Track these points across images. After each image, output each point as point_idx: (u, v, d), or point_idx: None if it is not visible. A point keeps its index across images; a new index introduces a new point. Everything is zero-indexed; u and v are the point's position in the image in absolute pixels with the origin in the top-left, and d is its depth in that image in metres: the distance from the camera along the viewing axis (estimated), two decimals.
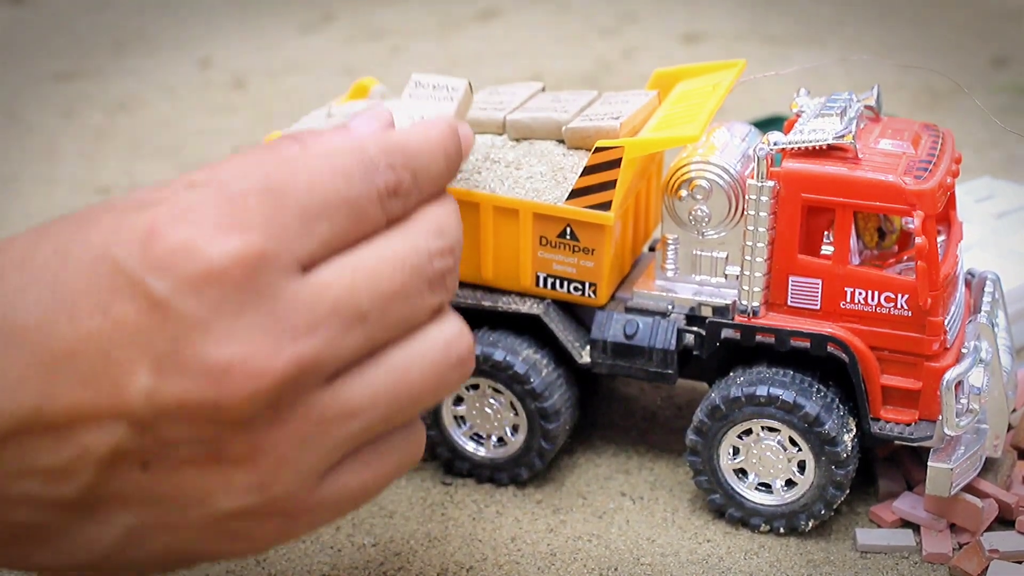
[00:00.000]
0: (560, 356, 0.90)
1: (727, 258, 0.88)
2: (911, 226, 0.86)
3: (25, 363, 0.54)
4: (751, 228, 0.84)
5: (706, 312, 0.89)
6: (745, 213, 0.84)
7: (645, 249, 0.98)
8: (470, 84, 0.82)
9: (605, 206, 0.85)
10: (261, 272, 0.56)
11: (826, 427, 0.83)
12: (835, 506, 0.85)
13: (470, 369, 0.63)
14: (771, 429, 0.85)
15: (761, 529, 0.86)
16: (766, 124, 1.08)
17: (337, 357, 0.58)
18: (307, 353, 0.56)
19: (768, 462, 0.86)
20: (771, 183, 0.83)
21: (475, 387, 0.90)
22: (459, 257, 0.65)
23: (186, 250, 0.55)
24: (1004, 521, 0.85)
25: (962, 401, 0.82)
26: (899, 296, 0.83)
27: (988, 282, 0.91)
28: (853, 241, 0.84)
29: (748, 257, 0.84)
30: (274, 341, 0.56)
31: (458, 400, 0.91)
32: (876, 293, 0.83)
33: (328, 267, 0.59)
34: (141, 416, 0.55)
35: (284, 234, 0.57)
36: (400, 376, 0.61)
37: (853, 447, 0.84)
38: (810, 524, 0.85)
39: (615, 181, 0.85)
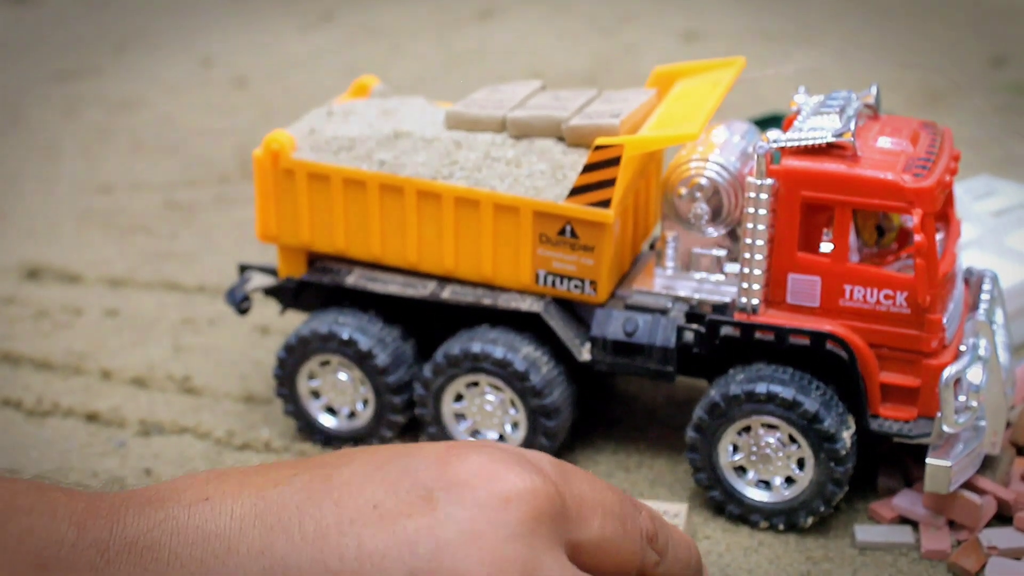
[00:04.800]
0: (560, 354, 0.90)
1: (726, 255, 0.88)
2: (910, 224, 0.86)
3: None
4: (750, 226, 0.84)
5: (706, 310, 0.89)
6: (744, 211, 0.84)
7: (645, 247, 0.98)
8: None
9: (605, 204, 0.85)
10: (544, 520, 0.55)
11: (825, 424, 0.83)
12: (834, 503, 0.85)
13: None
14: (770, 426, 0.85)
15: (760, 526, 0.87)
16: (765, 122, 1.08)
17: None
18: None
19: (767, 459, 0.86)
20: (770, 181, 0.83)
21: (475, 384, 0.91)
22: None
23: (485, 472, 0.55)
24: (1003, 518, 0.85)
25: (961, 398, 0.82)
26: (898, 293, 0.83)
27: (986, 280, 0.92)
28: (852, 239, 0.84)
29: (747, 255, 0.84)
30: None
31: (458, 397, 0.91)
32: (875, 290, 0.83)
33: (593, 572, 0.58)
34: None
35: (571, 505, 0.57)
36: None
37: (852, 444, 0.84)
38: (809, 521, 0.86)
39: (615, 179, 0.85)
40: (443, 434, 0.92)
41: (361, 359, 0.92)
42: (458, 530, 0.54)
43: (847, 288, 0.84)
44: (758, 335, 0.86)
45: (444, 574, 0.54)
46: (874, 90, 0.89)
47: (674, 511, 0.84)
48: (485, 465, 0.56)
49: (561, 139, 0.90)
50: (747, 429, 0.86)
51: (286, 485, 0.57)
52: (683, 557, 0.65)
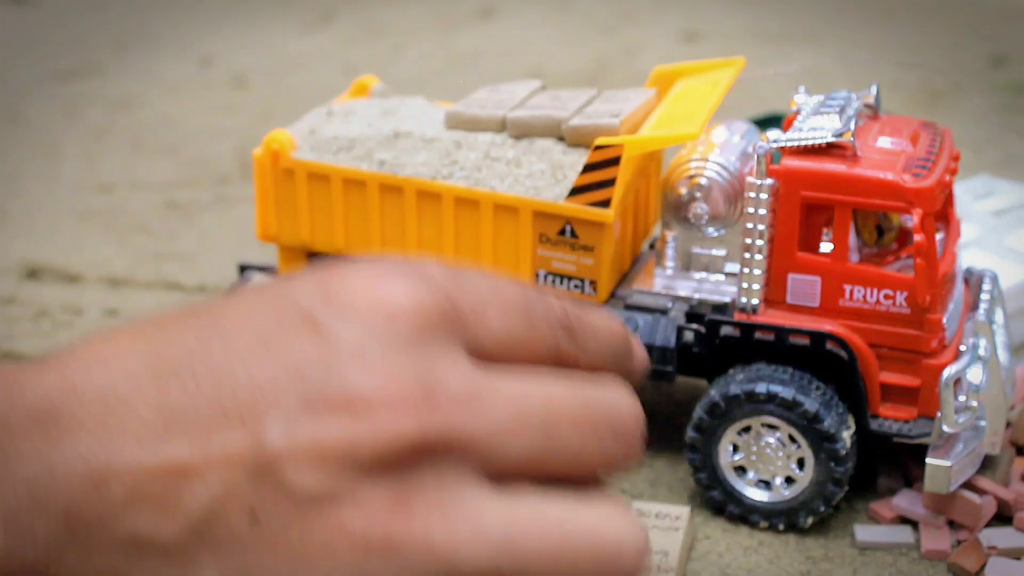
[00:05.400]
0: None
1: (726, 256, 0.88)
2: (910, 224, 0.86)
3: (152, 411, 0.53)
4: (750, 226, 0.84)
5: (705, 309, 0.89)
6: (744, 211, 0.84)
7: (645, 247, 0.98)
8: None
9: (605, 204, 0.85)
10: (435, 328, 0.53)
11: (825, 424, 0.83)
12: (834, 503, 0.85)
13: (640, 568, 0.56)
14: (770, 426, 0.85)
15: (760, 526, 0.86)
16: (765, 122, 1.08)
17: (496, 452, 0.53)
18: (462, 424, 0.52)
19: (767, 459, 0.86)
20: (770, 181, 0.83)
21: None
22: (632, 454, 0.58)
23: (365, 289, 0.53)
24: (1002, 518, 0.85)
25: (960, 398, 0.82)
26: (898, 293, 0.83)
27: (986, 280, 0.92)
28: (852, 238, 0.84)
29: (747, 254, 0.84)
30: (429, 393, 0.52)
31: None
32: (875, 290, 0.83)
33: (500, 367, 0.55)
34: (267, 458, 0.51)
35: (465, 309, 0.54)
36: (551, 529, 0.54)
37: (852, 444, 0.84)
38: (809, 521, 0.86)
39: (615, 179, 0.85)
40: None
41: None
42: (345, 350, 0.53)
43: (847, 288, 0.84)
44: (758, 335, 0.86)
45: (336, 396, 0.52)
46: (874, 90, 0.89)
47: (675, 514, 0.84)
48: (366, 281, 0.54)
49: (561, 139, 0.90)
50: (747, 429, 0.86)
51: (176, 332, 0.56)
52: (606, 343, 0.61)
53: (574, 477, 0.56)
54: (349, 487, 0.52)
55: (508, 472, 0.54)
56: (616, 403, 0.58)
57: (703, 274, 0.89)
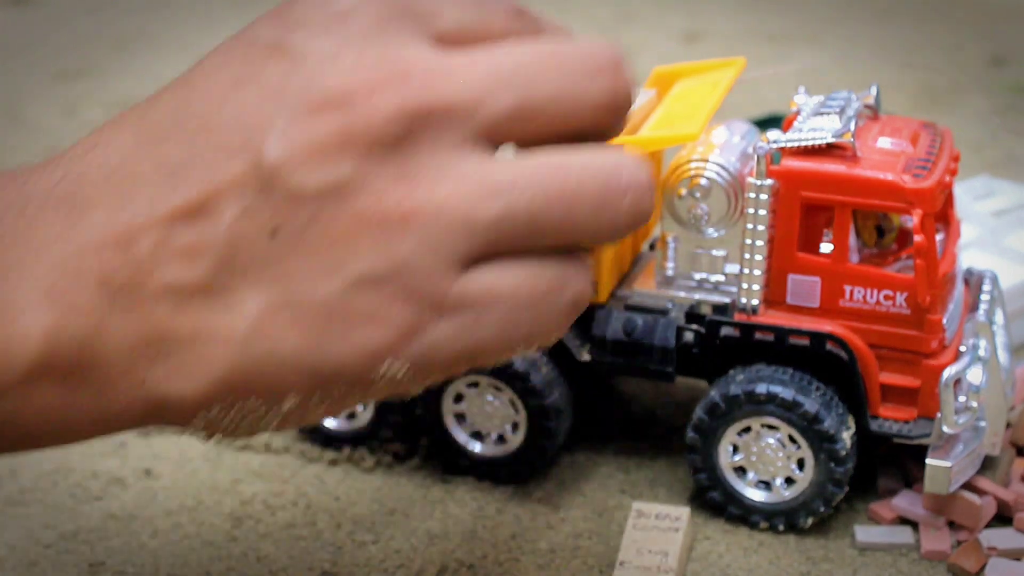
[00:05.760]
0: (560, 354, 0.90)
1: (726, 256, 0.88)
2: (910, 224, 0.86)
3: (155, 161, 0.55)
4: (750, 226, 0.84)
5: (705, 310, 0.89)
6: (744, 211, 0.84)
7: (645, 247, 0.98)
8: None
9: None
10: (392, 21, 0.55)
11: (825, 425, 0.83)
12: (834, 503, 0.85)
13: (644, 211, 0.57)
14: (770, 427, 0.85)
15: (760, 526, 0.87)
16: (765, 122, 1.08)
17: (481, 112, 0.54)
18: (440, 90, 0.54)
19: (767, 460, 0.86)
20: (770, 181, 0.83)
21: (475, 385, 0.91)
22: (621, 89, 0.58)
23: (318, 3, 0.56)
24: (1002, 518, 0.85)
25: (960, 399, 0.82)
26: (898, 294, 0.83)
27: (986, 280, 0.92)
28: (852, 239, 0.84)
29: (747, 255, 0.84)
30: (402, 72, 0.54)
31: (458, 398, 0.91)
32: (875, 291, 0.83)
33: (466, 46, 0.56)
34: (270, 171, 0.53)
35: (416, 3, 0.56)
36: (554, 170, 0.55)
37: (852, 445, 0.84)
38: (809, 521, 0.86)
39: None
40: (443, 435, 0.92)
41: None
42: (314, 59, 0.55)
43: (847, 289, 0.84)
44: (758, 335, 0.86)
45: (319, 99, 0.53)
46: (874, 90, 0.89)
47: (675, 514, 0.84)
48: (315, 0, 0.56)
49: None
50: (747, 430, 0.86)
51: (157, 105, 0.58)
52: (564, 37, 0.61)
53: (569, 132, 0.57)
54: (353, 176, 0.53)
55: (500, 134, 0.56)
56: (589, 49, 0.58)
57: (703, 275, 0.89)
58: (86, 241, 0.54)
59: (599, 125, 0.58)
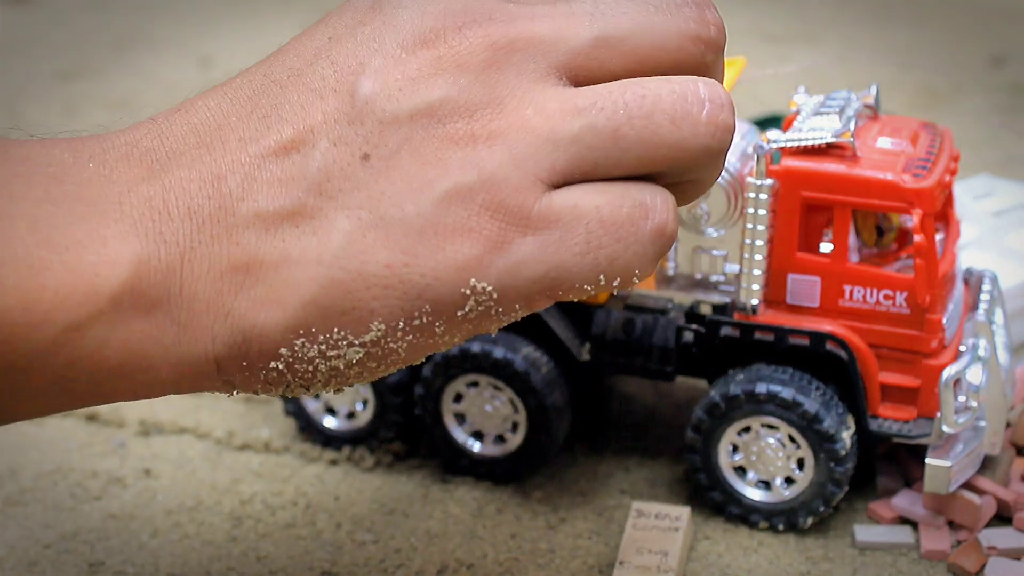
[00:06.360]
0: (560, 353, 0.90)
1: (726, 256, 0.88)
2: (910, 224, 0.86)
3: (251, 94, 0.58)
4: (750, 226, 0.84)
5: (705, 310, 0.89)
6: (744, 211, 0.84)
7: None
8: None
9: None
10: None
11: (825, 424, 0.83)
12: (834, 503, 0.85)
13: (722, 123, 0.58)
14: (770, 427, 0.85)
15: (760, 526, 0.87)
16: (765, 122, 1.08)
17: (564, 45, 0.57)
18: (522, 24, 0.57)
19: (767, 459, 0.86)
20: (770, 181, 0.83)
21: (475, 384, 0.91)
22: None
23: None
24: (1002, 518, 0.85)
25: (960, 398, 0.82)
26: (898, 294, 0.83)
27: (986, 280, 0.92)
28: (852, 239, 0.84)
29: (747, 255, 0.84)
30: (487, 12, 0.57)
31: (458, 398, 0.91)
32: (875, 291, 0.83)
33: None
34: (363, 103, 0.55)
35: None
36: (632, 87, 0.57)
37: (852, 444, 0.84)
38: (809, 521, 0.86)
39: None
40: (443, 434, 0.92)
41: None
42: (404, 11, 0.58)
43: (847, 288, 0.84)
44: (758, 335, 0.86)
45: (409, 41, 0.56)
46: (874, 90, 0.89)
47: (675, 514, 0.84)
48: None
49: None
50: (747, 429, 0.86)
51: (250, 70, 0.60)
52: None
53: (657, 67, 0.59)
54: (443, 99, 0.56)
55: (584, 68, 0.58)
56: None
57: (703, 275, 0.89)
58: (173, 180, 0.56)
59: (689, 59, 0.59)
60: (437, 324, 0.57)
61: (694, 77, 0.59)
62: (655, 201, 0.58)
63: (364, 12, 0.59)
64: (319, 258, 0.55)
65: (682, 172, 0.59)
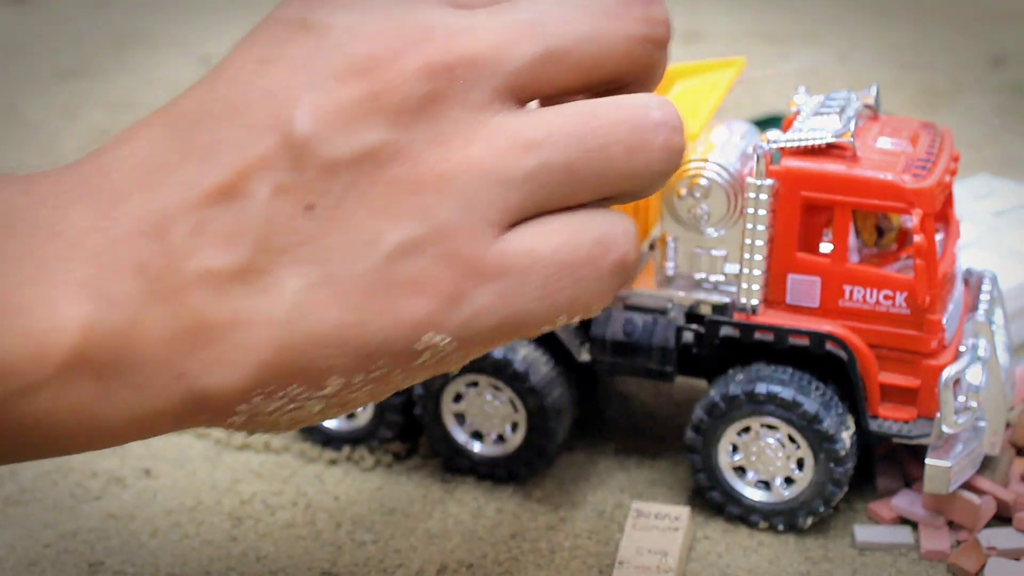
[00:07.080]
0: (559, 354, 0.90)
1: (726, 256, 0.88)
2: (910, 224, 0.86)
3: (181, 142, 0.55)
4: (750, 226, 0.84)
5: (705, 310, 0.89)
6: (744, 211, 0.84)
7: (644, 247, 0.98)
8: None
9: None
10: None
11: (825, 425, 0.83)
12: (834, 503, 0.85)
13: (677, 148, 0.56)
14: (770, 427, 0.85)
15: (760, 526, 0.87)
16: (765, 122, 1.08)
17: (506, 64, 0.54)
18: (462, 45, 0.54)
19: (767, 460, 0.86)
20: (770, 181, 0.83)
21: (475, 384, 0.91)
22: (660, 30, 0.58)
23: None
24: (1002, 518, 0.85)
25: (960, 399, 0.82)
26: (898, 294, 0.83)
27: (986, 280, 0.92)
28: (852, 239, 0.84)
29: (747, 255, 0.84)
30: (424, 33, 0.54)
31: (458, 398, 0.91)
32: (875, 291, 0.83)
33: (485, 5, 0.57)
34: (301, 143, 0.53)
35: None
36: (584, 116, 0.55)
37: (852, 444, 0.84)
38: (809, 521, 0.86)
39: None
40: (443, 434, 0.92)
41: None
42: (338, 32, 0.55)
43: (847, 288, 0.84)
44: (758, 335, 0.86)
45: (344, 69, 0.53)
46: (874, 90, 0.89)
47: (675, 514, 0.84)
48: None
49: None
50: (747, 430, 0.86)
51: (184, 100, 0.57)
52: None
53: (604, 77, 0.57)
54: (384, 141, 0.53)
55: (528, 86, 0.55)
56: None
57: (703, 275, 0.89)
58: (120, 231, 0.54)
59: (636, 62, 0.57)
60: (395, 373, 0.55)
61: (646, 99, 0.57)
62: (615, 233, 0.56)
63: (293, 29, 0.56)
64: (269, 319, 0.53)
65: (633, 195, 0.58)
